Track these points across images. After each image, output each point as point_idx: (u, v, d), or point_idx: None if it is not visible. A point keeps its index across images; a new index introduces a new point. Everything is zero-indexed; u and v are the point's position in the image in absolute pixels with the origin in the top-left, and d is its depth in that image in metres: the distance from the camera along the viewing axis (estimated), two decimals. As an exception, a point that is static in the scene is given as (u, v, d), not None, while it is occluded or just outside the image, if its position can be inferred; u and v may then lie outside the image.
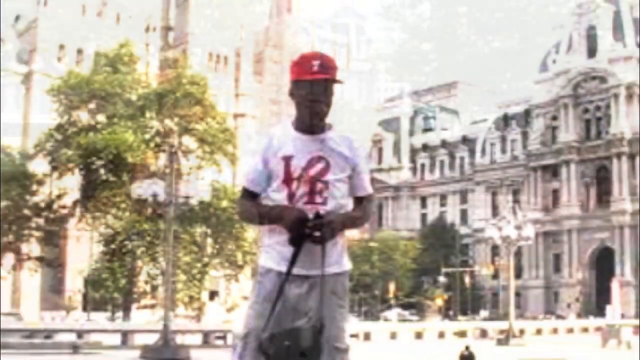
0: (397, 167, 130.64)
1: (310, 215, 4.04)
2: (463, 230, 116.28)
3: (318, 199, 4.18)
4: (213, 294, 73.69)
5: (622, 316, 74.38)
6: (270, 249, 4.25)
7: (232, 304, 65.21)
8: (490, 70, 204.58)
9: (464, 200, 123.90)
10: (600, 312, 79.99)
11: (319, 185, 4.20)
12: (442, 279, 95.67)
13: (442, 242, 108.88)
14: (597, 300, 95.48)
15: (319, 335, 4.02)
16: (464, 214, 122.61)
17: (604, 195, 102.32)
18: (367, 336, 47.29)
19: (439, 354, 31.53)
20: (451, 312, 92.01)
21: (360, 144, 4.40)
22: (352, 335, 38.57)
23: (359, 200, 4.32)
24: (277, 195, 4.22)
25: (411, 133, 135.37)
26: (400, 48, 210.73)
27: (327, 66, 4.18)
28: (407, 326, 56.31)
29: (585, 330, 57.62)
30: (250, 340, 4.14)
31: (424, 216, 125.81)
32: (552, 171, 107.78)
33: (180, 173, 33.70)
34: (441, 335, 50.38)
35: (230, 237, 54.29)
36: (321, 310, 4.07)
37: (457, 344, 42.38)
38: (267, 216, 4.19)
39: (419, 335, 49.05)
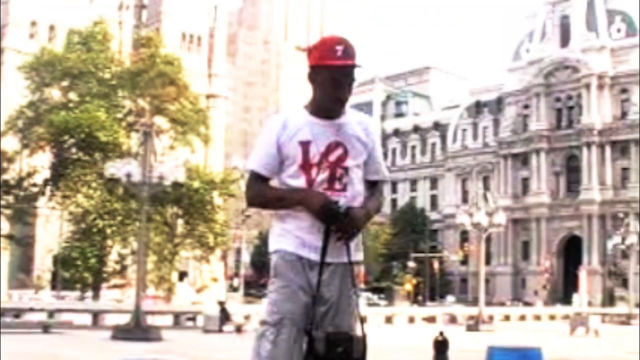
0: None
1: (341, 201, 3.99)
2: (433, 215, 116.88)
3: (338, 185, 4.11)
4: (182, 275, 73.49)
5: (589, 304, 75.29)
6: (287, 233, 4.11)
7: (201, 285, 65.16)
8: (463, 57, 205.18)
9: (434, 186, 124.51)
10: (567, 299, 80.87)
11: (339, 171, 4.14)
12: (411, 264, 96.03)
13: (412, 228, 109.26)
14: (564, 288, 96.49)
15: (366, 345, 3.95)
16: (434, 200, 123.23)
17: (573, 185, 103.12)
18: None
19: (411, 339, 31.62)
20: (420, 297, 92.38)
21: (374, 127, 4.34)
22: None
23: (373, 184, 4.28)
24: (294, 182, 4.12)
25: (383, 118, 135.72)
26: (373, 32, 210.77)
27: (350, 52, 4.11)
28: (377, 311, 56.42)
29: (553, 317, 58.03)
30: (284, 325, 3.99)
31: (394, 201, 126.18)
32: (523, 159, 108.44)
33: (154, 153, 33.45)
34: (411, 320, 50.51)
35: (202, 219, 54.11)
36: (340, 299, 4.04)
37: (427, 329, 42.59)
38: (286, 200, 4.10)
39: (388, 320, 49.13)
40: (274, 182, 4.23)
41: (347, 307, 4.08)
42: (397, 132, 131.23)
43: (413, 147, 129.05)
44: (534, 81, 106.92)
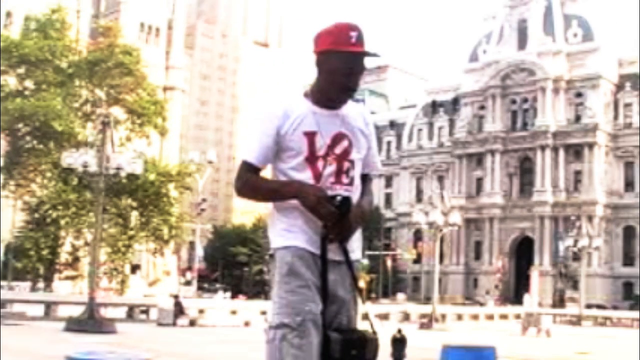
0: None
1: (338, 197, 3.78)
2: (387, 214, 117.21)
3: (345, 179, 3.94)
4: (135, 268, 72.96)
5: (540, 305, 76.06)
6: (296, 228, 3.89)
7: (154, 278, 64.82)
8: (421, 57, 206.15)
9: (389, 184, 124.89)
10: (518, 300, 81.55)
11: (346, 165, 3.96)
12: (365, 261, 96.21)
13: (366, 225, 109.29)
14: (515, 288, 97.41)
15: (378, 345, 3.88)
16: (388, 198, 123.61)
17: (526, 186, 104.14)
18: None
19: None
20: (374, 295, 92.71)
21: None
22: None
23: (364, 179, 4.12)
24: (298, 174, 3.92)
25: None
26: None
27: (363, 39, 3.96)
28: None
29: (505, 317, 58.50)
30: (308, 328, 3.75)
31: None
32: (477, 160, 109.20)
33: (112, 144, 33.13)
34: (364, 317, 50.62)
35: (157, 211, 53.67)
36: (349, 298, 3.94)
37: (382, 326, 42.69)
38: (279, 193, 3.92)
39: (342, 317, 49.20)
40: (266, 173, 4.04)
41: (355, 306, 4.01)
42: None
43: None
44: (491, 83, 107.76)
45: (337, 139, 3.97)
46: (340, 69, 3.91)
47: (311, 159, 3.94)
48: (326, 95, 3.98)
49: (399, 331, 21.01)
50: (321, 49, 3.96)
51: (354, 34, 3.91)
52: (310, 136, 3.94)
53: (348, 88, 3.96)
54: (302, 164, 3.93)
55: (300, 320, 3.75)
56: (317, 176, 3.93)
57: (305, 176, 3.92)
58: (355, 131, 4.02)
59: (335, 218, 3.75)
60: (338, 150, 3.96)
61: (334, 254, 3.87)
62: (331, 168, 3.94)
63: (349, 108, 4.05)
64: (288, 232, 3.90)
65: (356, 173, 4.01)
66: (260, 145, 3.96)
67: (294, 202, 3.87)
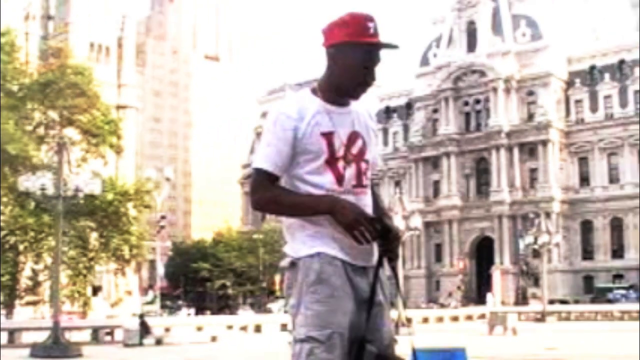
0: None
1: (385, 220, 3.61)
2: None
3: (365, 181, 3.74)
4: (96, 289, 72.27)
5: (503, 303, 76.65)
6: (324, 235, 3.64)
7: (116, 298, 64.21)
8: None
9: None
10: (481, 299, 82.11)
11: (363, 165, 3.75)
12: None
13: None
14: (477, 288, 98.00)
15: None
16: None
17: (483, 186, 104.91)
18: (257, 328, 47.23)
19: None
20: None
21: None
22: (242, 328, 38.13)
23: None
24: (319, 179, 3.67)
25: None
26: (283, 39, 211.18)
27: (379, 30, 3.76)
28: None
29: (470, 318, 58.84)
30: (336, 341, 3.53)
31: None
32: (433, 163, 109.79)
33: (69, 165, 32.76)
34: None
35: (117, 231, 53.16)
36: (384, 302, 3.77)
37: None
38: (308, 209, 3.62)
39: (309, 327, 49.13)
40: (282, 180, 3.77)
41: (389, 311, 3.83)
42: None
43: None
44: (443, 86, 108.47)
45: (352, 138, 3.75)
46: (358, 62, 3.70)
47: (331, 160, 3.69)
48: (340, 91, 3.76)
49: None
50: (336, 41, 3.72)
51: (371, 24, 3.72)
52: (328, 137, 3.70)
53: (366, 82, 3.75)
54: (321, 167, 3.69)
55: (329, 334, 3.53)
56: (339, 179, 3.70)
57: (327, 179, 3.69)
58: (368, 129, 3.83)
59: (373, 239, 3.54)
60: (354, 150, 3.75)
61: (361, 260, 3.68)
62: (351, 170, 3.72)
63: (356, 104, 3.84)
64: (314, 239, 3.66)
65: (370, 174, 3.83)
66: (275, 151, 3.66)
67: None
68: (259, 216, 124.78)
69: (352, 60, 3.68)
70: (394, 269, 3.75)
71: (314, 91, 3.78)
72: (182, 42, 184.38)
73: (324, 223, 3.63)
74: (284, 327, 48.41)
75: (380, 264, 3.66)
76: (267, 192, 3.65)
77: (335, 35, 3.72)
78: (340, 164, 3.69)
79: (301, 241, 3.69)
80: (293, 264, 3.70)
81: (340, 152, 3.70)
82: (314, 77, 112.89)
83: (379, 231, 3.54)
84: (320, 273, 3.61)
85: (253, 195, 3.69)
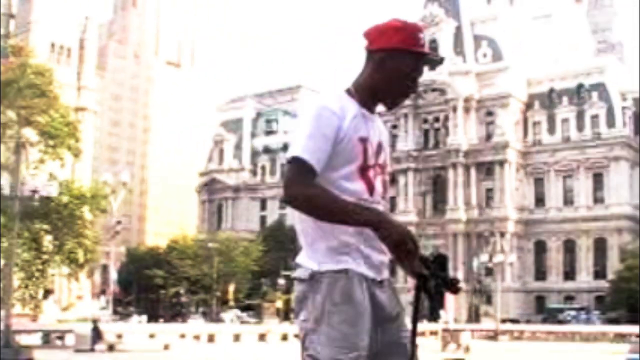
0: (238, 169, 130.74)
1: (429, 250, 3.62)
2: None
3: (387, 193, 3.65)
4: (47, 292, 71.43)
5: (455, 320, 76.94)
6: (350, 248, 3.46)
7: (68, 302, 63.56)
8: (333, 77, 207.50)
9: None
10: (433, 316, 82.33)
11: (386, 177, 3.67)
12: (281, 281, 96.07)
13: (281, 245, 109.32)
14: (430, 305, 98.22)
15: None
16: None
17: (439, 204, 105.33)
18: (210, 338, 46.97)
19: (294, 358, 31.59)
20: (291, 316, 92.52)
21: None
22: (195, 337, 37.89)
23: None
24: (351, 185, 3.48)
25: (253, 135, 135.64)
26: (245, 49, 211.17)
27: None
28: (250, 328, 56.21)
29: (422, 334, 58.92)
30: None
31: (263, 218, 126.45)
32: (391, 179, 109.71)
33: (27, 166, 32.44)
34: (284, 338, 50.52)
35: (72, 234, 52.66)
36: (400, 312, 3.69)
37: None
38: (352, 216, 3.32)
39: (262, 338, 49.02)
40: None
41: (404, 321, 3.70)
42: (267, 150, 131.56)
43: (283, 165, 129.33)
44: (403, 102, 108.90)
45: (379, 147, 3.62)
46: (408, 70, 3.57)
47: (364, 168, 3.52)
48: (380, 97, 3.63)
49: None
50: (388, 46, 3.57)
51: (422, 35, 3.60)
52: (364, 143, 3.53)
53: (409, 92, 3.65)
54: (354, 174, 3.51)
55: (356, 356, 3.39)
56: (371, 188, 3.54)
57: (359, 187, 3.51)
58: (387, 140, 3.73)
59: (413, 259, 3.34)
60: (381, 160, 3.62)
61: (382, 275, 3.59)
62: (379, 180, 3.61)
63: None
64: (341, 254, 3.47)
65: None
66: (317, 146, 3.41)
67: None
68: (214, 224, 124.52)
69: (402, 67, 3.56)
70: (421, 296, 3.60)
71: (349, 92, 3.61)
72: (144, 47, 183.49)
73: (353, 235, 3.46)
74: (236, 337, 48.26)
75: (421, 289, 3.51)
76: (308, 188, 3.36)
77: (387, 40, 3.57)
78: (371, 172, 3.55)
79: (325, 254, 3.49)
80: (312, 277, 3.49)
81: (372, 161, 3.56)
82: (277, 88, 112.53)
83: (416, 252, 3.33)
84: (348, 292, 3.44)
85: (290, 189, 3.39)
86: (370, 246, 3.48)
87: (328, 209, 3.34)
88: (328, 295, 3.43)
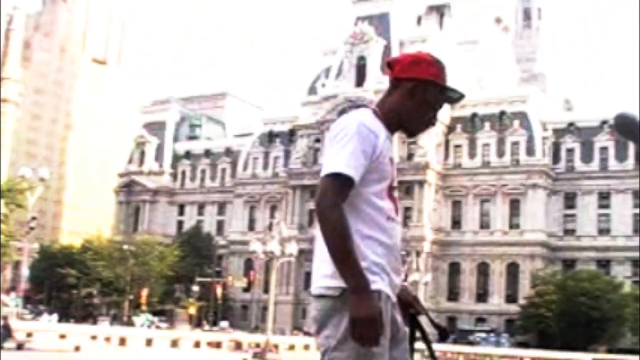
0: (158, 172, 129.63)
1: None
2: (219, 241, 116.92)
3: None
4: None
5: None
6: (380, 269, 3.53)
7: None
8: (259, 86, 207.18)
9: (222, 211, 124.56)
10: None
11: (397, 198, 3.74)
12: (195, 288, 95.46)
13: (197, 251, 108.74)
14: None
15: None
16: (220, 225, 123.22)
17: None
18: (122, 341, 46.41)
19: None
20: (205, 322, 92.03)
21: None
22: (106, 339, 37.39)
23: None
24: (382, 202, 3.58)
25: (176, 139, 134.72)
26: (172, 51, 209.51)
27: None
28: (163, 334, 55.70)
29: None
30: None
31: (180, 223, 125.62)
32: (311, 191, 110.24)
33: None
34: (196, 344, 50.22)
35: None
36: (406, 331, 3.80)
37: (215, 354, 42.43)
38: (347, 259, 3.39)
39: (174, 344, 48.63)
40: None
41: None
42: (188, 155, 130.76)
43: (203, 171, 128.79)
44: (327, 116, 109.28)
45: (395, 170, 3.76)
46: (434, 102, 3.75)
47: (391, 188, 3.65)
48: (403, 123, 3.78)
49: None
50: (420, 76, 3.73)
51: (446, 71, 3.79)
52: (392, 163, 3.69)
53: (429, 124, 3.83)
54: (384, 192, 3.61)
55: None
56: (396, 208, 3.66)
57: (387, 206, 3.61)
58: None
59: (370, 345, 3.39)
60: (395, 182, 3.75)
61: (394, 295, 3.64)
62: (395, 201, 3.71)
63: None
64: (372, 274, 3.50)
65: None
66: (359, 162, 3.50)
67: (379, 236, 3.54)
68: (131, 227, 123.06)
69: (430, 99, 3.73)
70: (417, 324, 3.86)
71: (375, 113, 3.76)
72: (71, 41, 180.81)
73: (381, 256, 3.55)
74: (148, 342, 47.79)
75: (414, 324, 3.80)
76: (343, 213, 3.43)
77: (422, 71, 3.73)
78: (395, 193, 3.70)
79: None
80: (342, 294, 3.49)
81: (395, 182, 3.71)
82: (203, 93, 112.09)
83: (375, 337, 3.38)
84: (370, 308, 3.42)
85: (327, 199, 3.44)
86: (393, 268, 3.59)
87: (342, 241, 3.40)
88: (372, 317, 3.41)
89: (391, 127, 3.74)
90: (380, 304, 3.47)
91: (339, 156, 3.51)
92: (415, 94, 3.72)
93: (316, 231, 3.61)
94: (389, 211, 3.60)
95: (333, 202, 3.42)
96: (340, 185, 3.44)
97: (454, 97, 3.83)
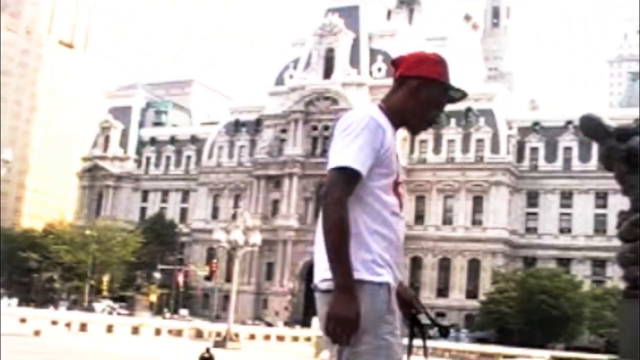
0: (123, 157, 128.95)
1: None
2: (182, 228, 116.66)
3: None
4: None
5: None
6: (386, 263, 3.62)
7: None
8: (227, 75, 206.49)
9: (185, 199, 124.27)
10: (307, 322, 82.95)
11: (402, 193, 3.82)
12: (157, 275, 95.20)
13: (160, 239, 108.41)
14: (304, 311, 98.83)
15: None
16: (184, 213, 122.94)
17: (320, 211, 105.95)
18: (82, 327, 46.21)
19: (174, 353, 31.45)
20: (166, 310, 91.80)
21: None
22: (67, 325, 37.20)
23: None
24: (387, 197, 3.64)
25: (141, 125, 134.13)
26: (138, 35, 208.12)
27: None
28: (124, 320, 55.53)
29: (296, 339, 59.38)
30: None
31: (143, 210, 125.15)
32: (276, 182, 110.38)
33: None
34: (157, 332, 50.13)
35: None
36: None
37: (176, 342, 42.39)
38: (340, 256, 3.44)
39: (135, 331, 48.52)
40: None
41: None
42: (153, 141, 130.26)
43: (168, 158, 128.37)
44: (294, 107, 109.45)
45: (400, 165, 3.82)
46: (438, 101, 3.82)
47: (396, 183, 3.72)
48: (407, 120, 3.82)
49: (207, 350, 21.09)
50: (425, 75, 3.79)
51: (450, 71, 3.85)
52: (397, 159, 3.74)
53: (431, 122, 3.89)
54: (389, 187, 3.67)
55: None
56: (400, 204, 3.73)
57: (393, 201, 3.68)
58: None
59: (334, 342, 3.48)
60: (400, 178, 3.82)
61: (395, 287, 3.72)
62: (400, 196, 3.77)
63: None
64: (380, 266, 3.60)
65: None
66: (366, 156, 3.56)
67: (383, 230, 3.61)
68: (93, 212, 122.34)
69: (434, 97, 3.80)
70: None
71: (381, 109, 3.78)
72: (38, 23, 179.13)
73: (385, 250, 3.63)
74: (109, 328, 47.64)
75: (414, 321, 3.95)
76: (346, 210, 3.49)
77: (427, 69, 3.80)
78: (400, 189, 3.77)
79: (364, 265, 3.58)
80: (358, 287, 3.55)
81: (400, 178, 3.79)
82: (169, 80, 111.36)
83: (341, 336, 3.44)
84: (390, 304, 3.62)
85: (333, 194, 3.51)
86: (395, 262, 3.69)
87: (340, 239, 3.45)
88: (372, 306, 3.53)
89: (395, 124, 3.78)
90: (388, 296, 3.60)
91: (348, 149, 3.58)
92: (420, 91, 3.79)
93: (319, 224, 3.64)
94: (394, 206, 3.69)
95: (338, 198, 3.48)
96: (348, 179, 3.52)
97: (457, 96, 3.90)
